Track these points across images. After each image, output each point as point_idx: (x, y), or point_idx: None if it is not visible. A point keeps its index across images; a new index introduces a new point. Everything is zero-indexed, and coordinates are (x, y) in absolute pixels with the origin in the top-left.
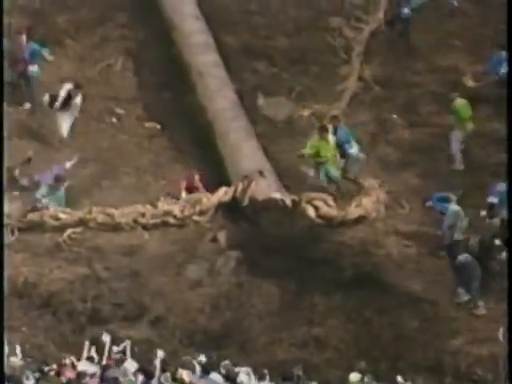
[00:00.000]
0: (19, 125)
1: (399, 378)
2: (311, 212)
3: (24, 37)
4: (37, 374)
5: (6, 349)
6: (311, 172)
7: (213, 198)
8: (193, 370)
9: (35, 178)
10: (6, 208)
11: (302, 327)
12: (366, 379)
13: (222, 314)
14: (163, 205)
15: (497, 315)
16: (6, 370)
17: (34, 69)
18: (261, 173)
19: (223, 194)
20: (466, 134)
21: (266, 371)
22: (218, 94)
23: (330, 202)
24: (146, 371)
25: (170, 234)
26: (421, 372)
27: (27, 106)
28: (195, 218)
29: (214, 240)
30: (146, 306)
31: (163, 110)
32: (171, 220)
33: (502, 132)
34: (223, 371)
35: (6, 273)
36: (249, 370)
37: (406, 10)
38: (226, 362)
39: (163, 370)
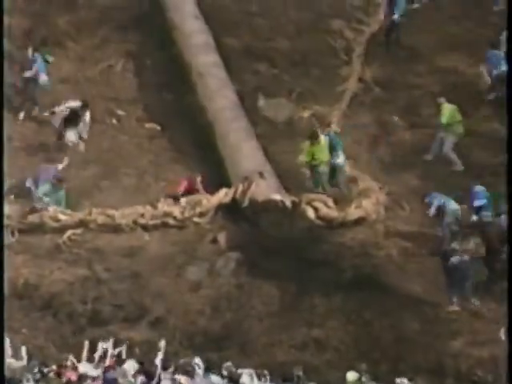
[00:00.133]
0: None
1: (398, 380)
2: (311, 213)
3: (31, 49)
4: (37, 376)
5: (10, 351)
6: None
7: (213, 199)
8: (192, 372)
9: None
10: (6, 209)
11: (301, 328)
12: (363, 379)
13: (222, 316)
14: (163, 206)
15: (497, 316)
16: (6, 373)
17: (44, 78)
18: (261, 174)
19: (223, 195)
20: (457, 137)
21: (266, 372)
22: (218, 94)
23: (330, 203)
24: (147, 372)
25: (170, 235)
26: (421, 374)
27: (21, 115)
28: (195, 219)
29: (214, 241)
30: (146, 308)
31: (163, 110)
32: (171, 221)
33: (502, 133)
34: (225, 373)
35: (7, 274)
36: (251, 371)
37: (396, 17)
38: (228, 363)
39: (164, 368)
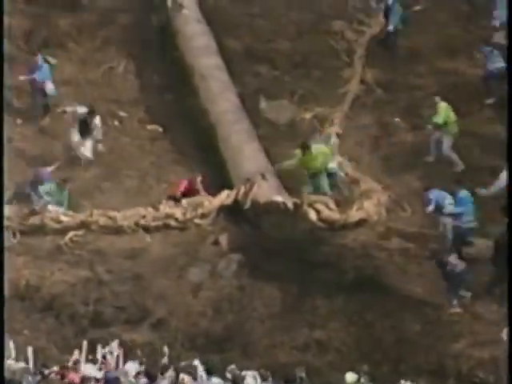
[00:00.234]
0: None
1: (402, 382)
2: (313, 215)
3: (40, 56)
4: (38, 377)
5: (13, 353)
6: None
7: (214, 200)
8: (194, 374)
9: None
10: (8, 211)
11: (303, 330)
12: (362, 380)
13: (224, 317)
14: (165, 208)
15: (498, 318)
16: (6, 374)
17: (50, 86)
18: (263, 176)
19: (225, 196)
20: (453, 137)
21: (268, 373)
22: (220, 96)
23: (332, 205)
24: (149, 374)
25: (171, 236)
26: (423, 375)
27: (19, 121)
28: (197, 220)
29: (216, 243)
30: (147, 309)
31: (165, 112)
32: (173, 223)
33: (503, 134)
34: (229, 376)
35: (8, 276)
36: (255, 373)
37: (391, 28)
38: (232, 366)
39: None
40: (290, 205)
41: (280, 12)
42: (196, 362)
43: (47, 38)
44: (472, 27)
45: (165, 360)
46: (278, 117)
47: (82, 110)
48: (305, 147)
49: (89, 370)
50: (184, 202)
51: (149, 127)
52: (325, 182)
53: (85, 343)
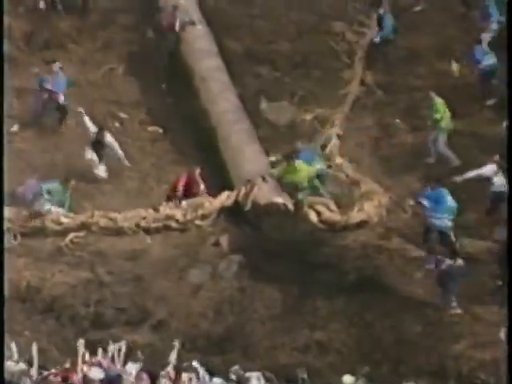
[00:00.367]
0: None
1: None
2: (313, 216)
3: (57, 64)
4: (38, 379)
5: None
6: None
7: (215, 202)
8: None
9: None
10: (8, 213)
11: (304, 331)
12: (360, 382)
13: (225, 319)
14: (165, 209)
15: (499, 319)
16: (6, 376)
17: (62, 98)
18: (263, 177)
19: (225, 198)
20: (448, 132)
21: (272, 375)
22: (220, 97)
23: (332, 206)
24: (150, 375)
25: (172, 238)
26: (423, 376)
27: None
28: (197, 222)
29: (216, 244)
30: (148, 311)
31: (166, 114)
32: (173, 224)
33: (503, 134)
34: (233, 377)
35: (9, 277)
36: (259, 374)
37: (377, 40)
38: (236, 367)
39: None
40: (290, 206)
41: (280, 13)
42: (195, 363)
43: (48, 39)
44: (471, 28)
45: (172, 362)
46: (279, 118)
47: (94, 129)
48: (289, 159)
49: (91, 371)
50: (184, 203)
51: (149, 128)
52: (317, 188)
53: (81, 341)
